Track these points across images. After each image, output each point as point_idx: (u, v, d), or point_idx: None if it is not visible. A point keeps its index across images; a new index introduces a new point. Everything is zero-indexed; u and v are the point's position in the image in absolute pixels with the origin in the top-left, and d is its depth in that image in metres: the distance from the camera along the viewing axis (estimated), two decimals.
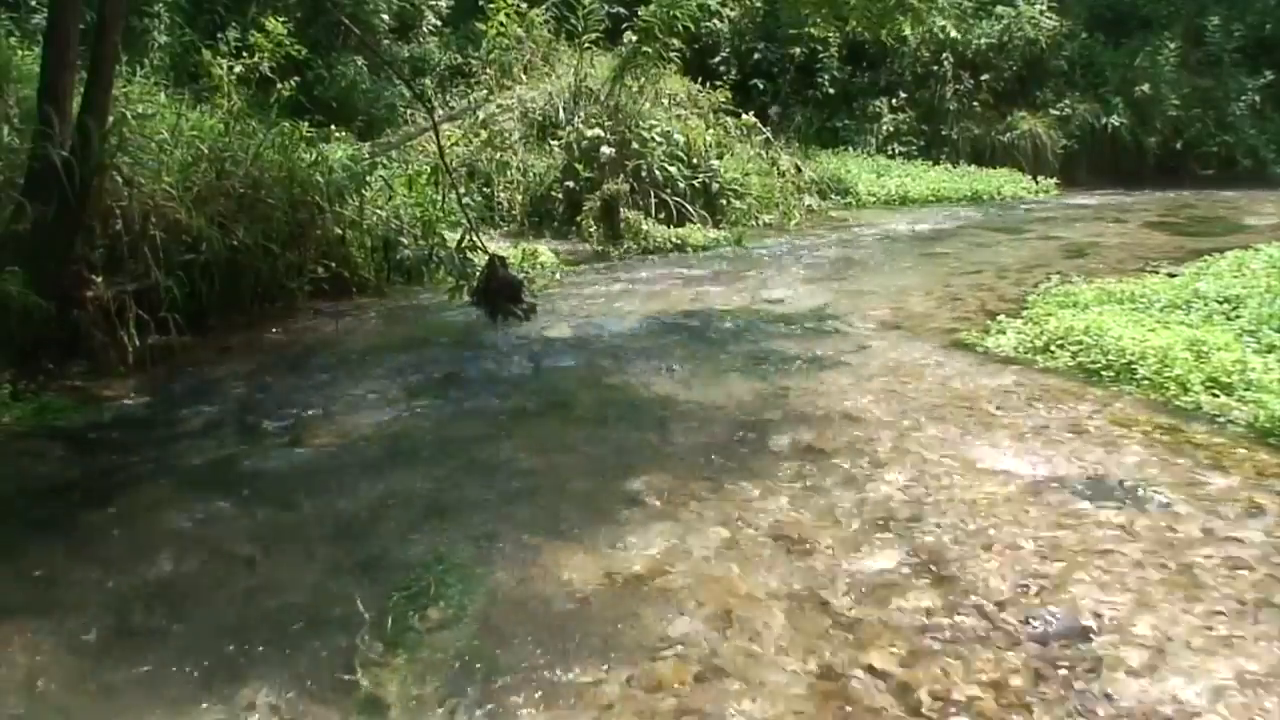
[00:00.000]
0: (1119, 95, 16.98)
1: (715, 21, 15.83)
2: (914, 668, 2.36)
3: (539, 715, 2.19)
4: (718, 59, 16.36)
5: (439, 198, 7.87)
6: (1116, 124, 16.72)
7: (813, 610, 2.63)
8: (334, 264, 6.64)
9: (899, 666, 2.36)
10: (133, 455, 3.88)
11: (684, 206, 10.12)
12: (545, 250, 8.47)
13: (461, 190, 8.43)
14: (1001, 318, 5.84)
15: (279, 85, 8.81)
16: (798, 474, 3.58)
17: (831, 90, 16.83)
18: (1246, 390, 4.22)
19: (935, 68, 17.00)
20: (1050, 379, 4.73)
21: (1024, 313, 5.93)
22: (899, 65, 17.27)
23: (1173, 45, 17.29)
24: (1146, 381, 4.50)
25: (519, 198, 10.27)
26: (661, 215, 9.86)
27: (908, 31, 13.63)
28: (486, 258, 5.87)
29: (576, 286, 7.39)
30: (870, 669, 2.36)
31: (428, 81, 13.09)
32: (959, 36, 16.42)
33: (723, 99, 12.45)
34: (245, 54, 8.93)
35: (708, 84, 12.95)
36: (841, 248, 9.60)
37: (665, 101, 11.54)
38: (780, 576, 2.82)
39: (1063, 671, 2.33)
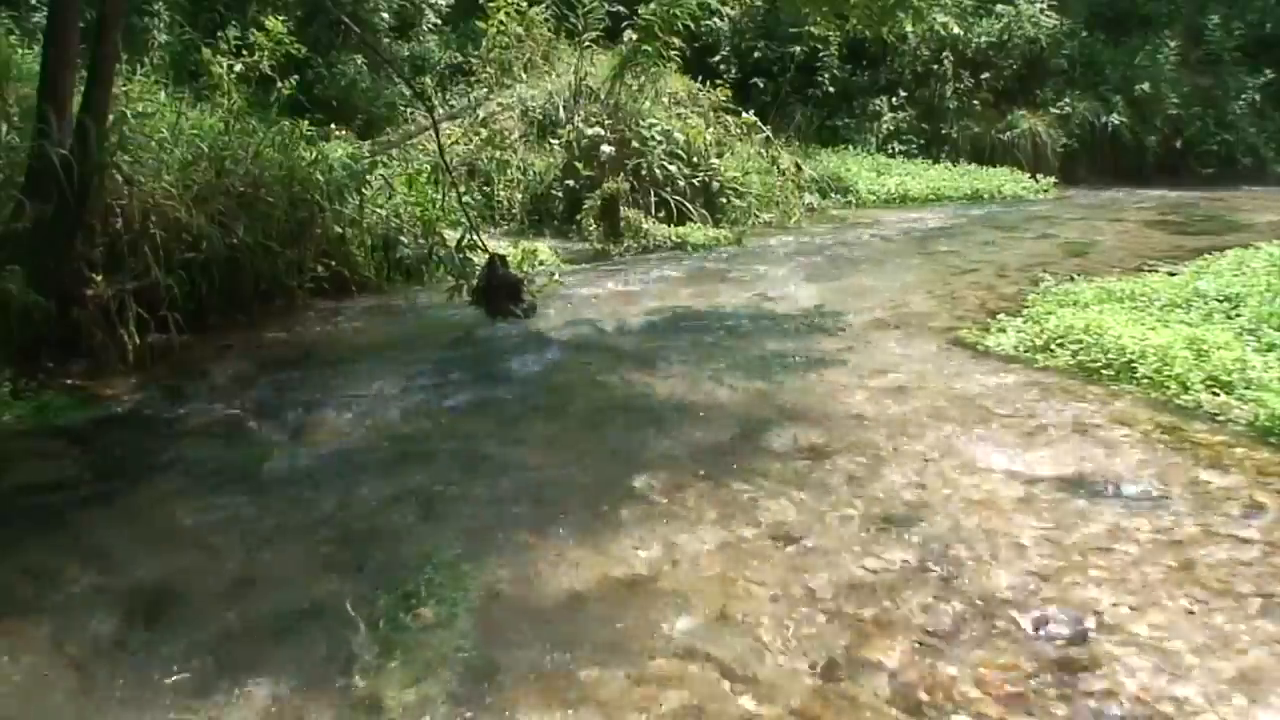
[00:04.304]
0: (1119, 94, 16.99)
1: (715, 20, 15.81)
2: (914, 666, 2.36)
3: (539, 714, 2.19)
4: (718, 57, 16.36)
5: (439, 196, 7.87)
6: (1117, 122, 16.73)
7: (813, 609, 2.63)
8: (334, 262, 6.64)
9: (899, 665, 2.36)
10: (133, 454, 3.88)
11: (684, 205, 10.11)
12: (545, 249, 8.46)
13: (461, 189, 8.43)
14: (1001, 316, 5.84)
15: (279, 84, 8.79)
16: (798, 473, 3.58)
17: (831, 89, 16.83)
18: (1247, 389, 4.22)
19: (935, 66, 17.00)
20: (1050, 378, 4.73)
21: (1024, 311, 5.92)
22: (899, 64, 17.28)
23: (1173, 44, 17.31)
24: (1146, 380, 4.50)
25: (519, 196, 10.27)
26: (661, 214, 9.85)
27: (909, 29, 13.66)
28: (486, 256, 5.88)
29: (576, 285, 7.38)
30: (870, 667, 2.36)
31: (428, 80, 13.07)
32: (960, 34, 16.42)
33: (723, 97, 12.44)
34: (245, 52, 8.91)
35: (708, 82, 12.93)
36: (841, 246, 9.60)
37: (665, 100, 11.53)
38: (781, 575, 2.82)
39: (1063, 670, 2.33)
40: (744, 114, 12.68)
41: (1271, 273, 6.27)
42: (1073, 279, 6.92)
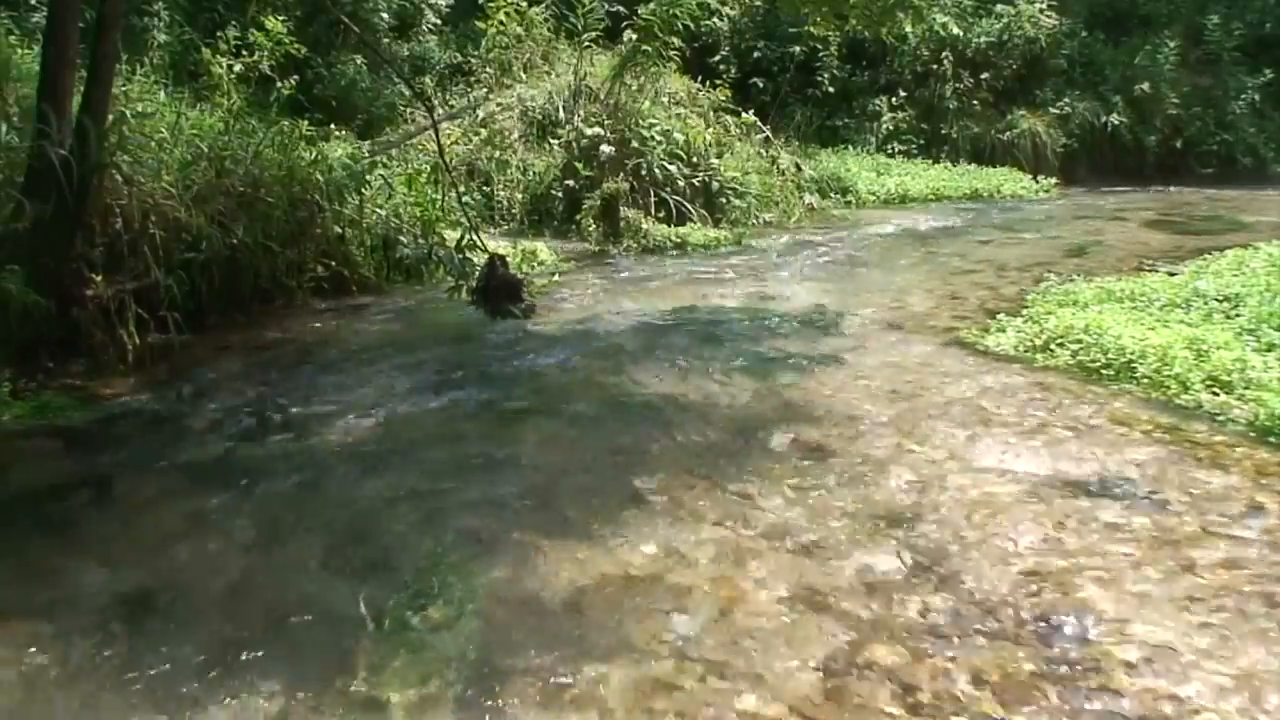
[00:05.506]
0: (1119, 94, 17.01)
1: (715, 20, 15.82)
2: (915, 666, 2.36)
3: (540, 715, 2.19)
4: (717, 57, 16.36)
5: (439, 196, 7.87)
6: (1116, 122, 16.74)
7: (813, 609, 2.63)
8: (334, 262, 6.65)
9: (900, 665, 2.36)
10: (132, 453, 3.88)
11: (684, 205, 10.12)
12: (545, 249, 8.47)
13: (461, 189, 8.44)
14: (1001, 316, 5.84)
15: (279, 84, 8.81)
16: (798, 473, 3.58)
17: (831, 89, 16.83)
18: (1246, 389, 4.22)
19: (935, 66, 17.01)
20: (1050, 377, 4.73)
21: (1024, 311, 5.93)
22: (899, 64, 17.29)
23: (1172, 44, 17.32)
24: (1146, 380, 4.50)
25: (518, 196, 10.28)
26: (661, 214, 9.86)
27: (908, 29, 13.66)
28: (486, 256, 5.87)
29: (576, 285, 7.39)
30: (871, 667, 2.36)
31: (427, 80, 13.08)
32: (960, 34, 16.43)
33: (722, 97, 12.44)
34: (245, 52, 8.93)
35: (707, 82, 12.94)
36: (841, 246, 9.60)
37: (665, 100, 11.54)
38: (780, 575, 2.82)
39: (1063, 670, 2.33)
40: (744, 114, 12.68)
41: (1271, 273, 6.27)
42: (1073, 279, 6.93)
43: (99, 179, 4.95)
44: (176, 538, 3.13)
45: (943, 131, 16.81)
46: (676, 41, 10.80)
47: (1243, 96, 17.28)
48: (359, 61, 12.72)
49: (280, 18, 9.64)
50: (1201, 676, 2.29)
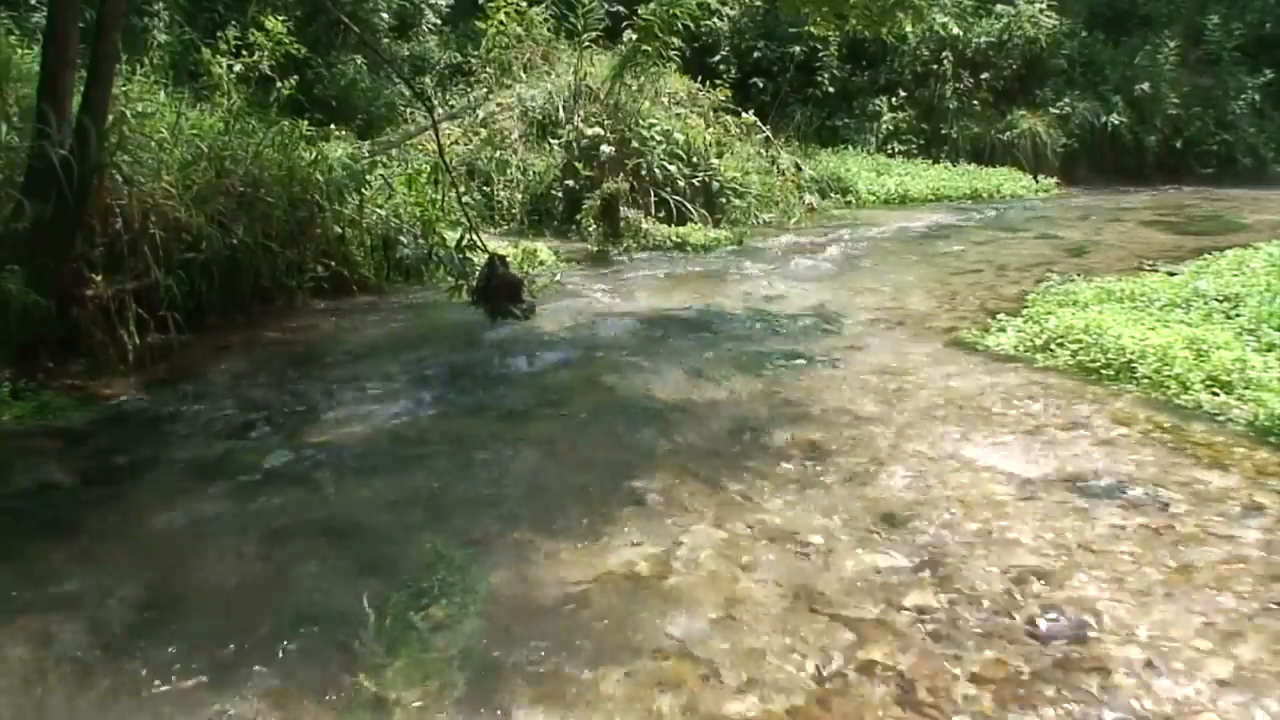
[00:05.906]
0: (1119, 94, 17.02)
1: (715, 20, 15.83)
2: (914, 666, 2.36)
3: (540, 715, 2.19)
4: (717, 57, 16.36)
5: (439, 196, 7.87)
6: (1116, 122, 16.75)
7: (812, 608, 2.63)
8: (333, 262, 6.64)
9: (899, 665, 2.37)
10: (132, 454, 3.88)
11: (684, 205, 10.12)
12: (545, 249, 8.46)
13: (461, 189, 8.44)
14: (1001, 316, 5.84)
15: (279, 84, 8.81)
16: (797, 472, 3.58)
17: (831, 89, 16.84)
18: (1246, 389, 4.23)
19: (935, 66, 17.01)
20: (1050, 377, 4.73)
21: (1024, 311, 5.93)
22: (899, 64, 17.29)
23: (1172, 44, 17.33)
24: (1146, 380, 4.50)
25: (519, 196, 10.28)
26: (661, 214, 9.86)
27: (908, 29, 13.67)
28: (486, 257, 5.87)
29: (576, 285, 7.39)
30: (870, 667, 2.36)
31: (427, 80, 13.10)
32: (960, 34, 16.44)
33: (722, 97, 12.45)
34: (245, 52, 8.93)
35: (707, 82, 12.95)
36: (841, 246, 9.60)
37: (665, 100, 11.54)
38: (780, 575, 2.82)
39: (1062, 670, 2.33)
40: (744, 114, 12.68)
41: (1271, 273, 6.27)
42: (1073, 279, 6.93)
43: (99, 179, 4.95)
44: (177, 538, 3.13)
45: (943, 131, 16.82)
46: (676, 41, 10.81)
47: (1243, 96, 17.30)
48: (359, 61, 12.73)
49: (280, 18, 9.64)
50: (1202, 676, 2.29)
